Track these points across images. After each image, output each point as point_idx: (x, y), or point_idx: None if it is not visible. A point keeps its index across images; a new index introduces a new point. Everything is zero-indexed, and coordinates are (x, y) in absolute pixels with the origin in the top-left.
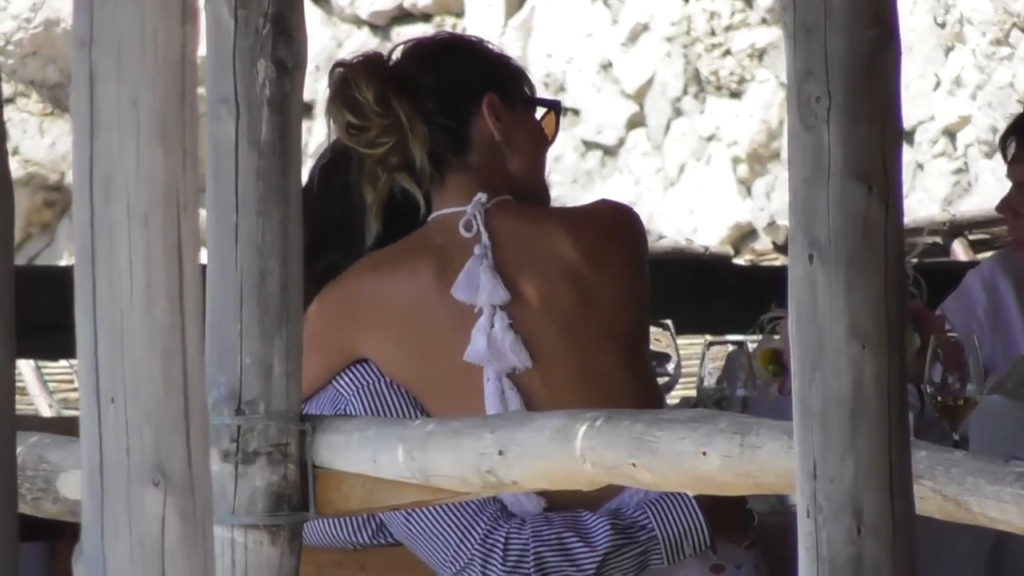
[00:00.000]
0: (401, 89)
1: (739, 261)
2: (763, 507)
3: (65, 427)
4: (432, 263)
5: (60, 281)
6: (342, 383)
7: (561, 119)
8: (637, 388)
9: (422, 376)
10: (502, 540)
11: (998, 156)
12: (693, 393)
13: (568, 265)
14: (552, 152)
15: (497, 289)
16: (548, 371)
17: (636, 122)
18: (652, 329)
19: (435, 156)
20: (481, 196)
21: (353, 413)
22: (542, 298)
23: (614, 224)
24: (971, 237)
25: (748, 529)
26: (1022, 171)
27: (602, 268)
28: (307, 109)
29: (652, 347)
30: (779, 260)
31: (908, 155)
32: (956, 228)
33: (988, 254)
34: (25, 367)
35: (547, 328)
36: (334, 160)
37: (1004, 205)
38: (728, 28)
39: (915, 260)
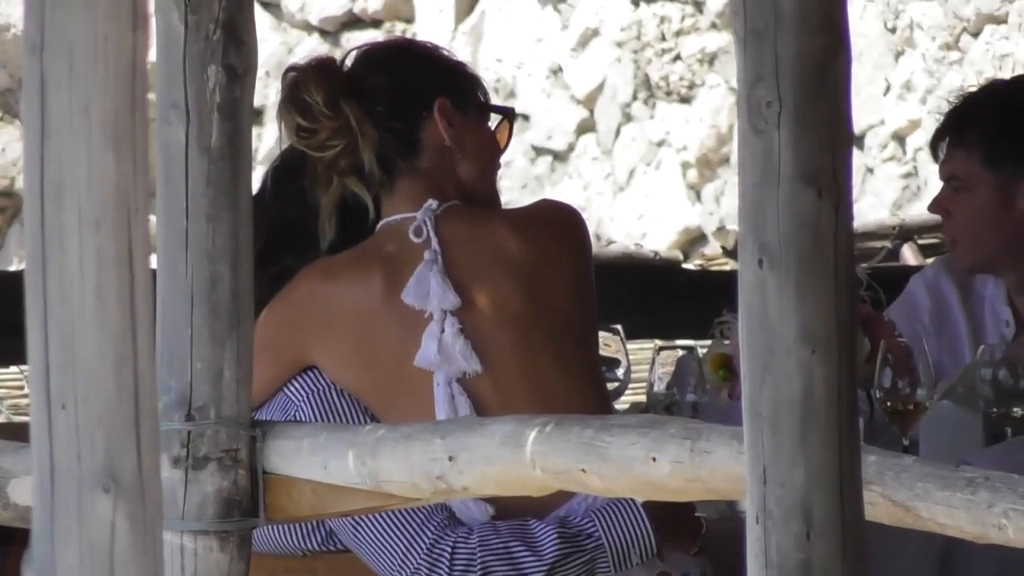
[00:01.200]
0: (351, 92)
1: (689, 266)
2: (713, 513)
3: (15, 433)
4: (381, 269)
5: (10, 287)
6: (292, 389)
7: (513, 127)
8: (587, 393)
9: (372, 383)
10: (449, 549)
11: None
12: (643, 398)
13: (517, 266)
14: (502, 157)
15: (447, 294)
16: (498, 376)
17: (586, 127)
18: (602, 334)
19: (384, 160)
20: (431, 203)
21: (303, 420)
22: (492, 302)
23: (560, 223)
24: (921, 242)
25: (696, 537)
26: (951, 169)
27: (550, 266)
28: (257, 115)
29: (602, 352)
30: (729, 265)
31: (858, 159)
32: (906, 232)
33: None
34: None
35: (497, 333)
36: (288, 164)
37: (936, 205)
38: (678, 33)
39: (864, 265)
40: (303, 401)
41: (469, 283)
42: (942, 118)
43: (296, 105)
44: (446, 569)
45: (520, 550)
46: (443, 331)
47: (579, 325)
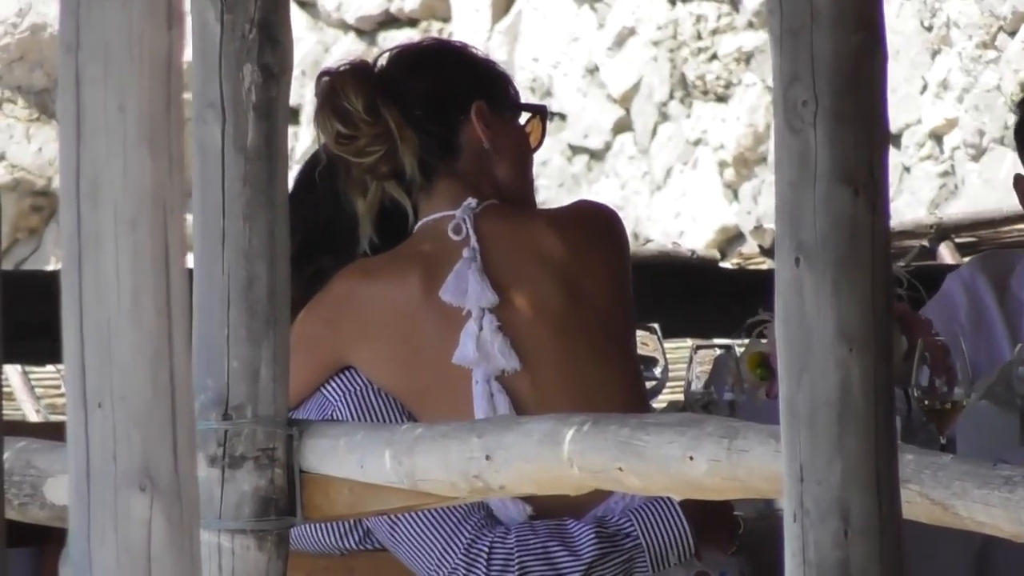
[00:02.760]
0: (389, 97)
1: (726, 265)
2: (750, 512)
3: (52, 432)
4: (420, 268)
5: (47, 286)
6: (329, 389)
7: (548, 124)
8: (625, 391)
9: (410, 382)
10: (486, 548)
11: (985, 159)
12: (680, 397)
13: (556, 264)
14: (539, 156)
15: (485, 292)
16: (537, 373)
17: (623, 126)
18: (639, 333)
19: (424, 163)
20: (471, 201)
21: (340, 419)
22: (531, 300)
23: (597, 222)
24: (958, 240)
25: (734, 536)
26: None
27: (589, 266)
28: (293, 114)
29: (639, 351)
30: (766, 264)
31: (895, 158)
32: (943, 231)
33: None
34: (12, 372)
35: (536, 330)
36: (324, 165)
37: None
38: (714, 32)
39: (902, 264)
40: (340, 401)
41: (507, 281)
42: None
43: (335, 111)
44: (483, 569)
45: (558, 550)
46: (481, 329)
47: (617, 324)
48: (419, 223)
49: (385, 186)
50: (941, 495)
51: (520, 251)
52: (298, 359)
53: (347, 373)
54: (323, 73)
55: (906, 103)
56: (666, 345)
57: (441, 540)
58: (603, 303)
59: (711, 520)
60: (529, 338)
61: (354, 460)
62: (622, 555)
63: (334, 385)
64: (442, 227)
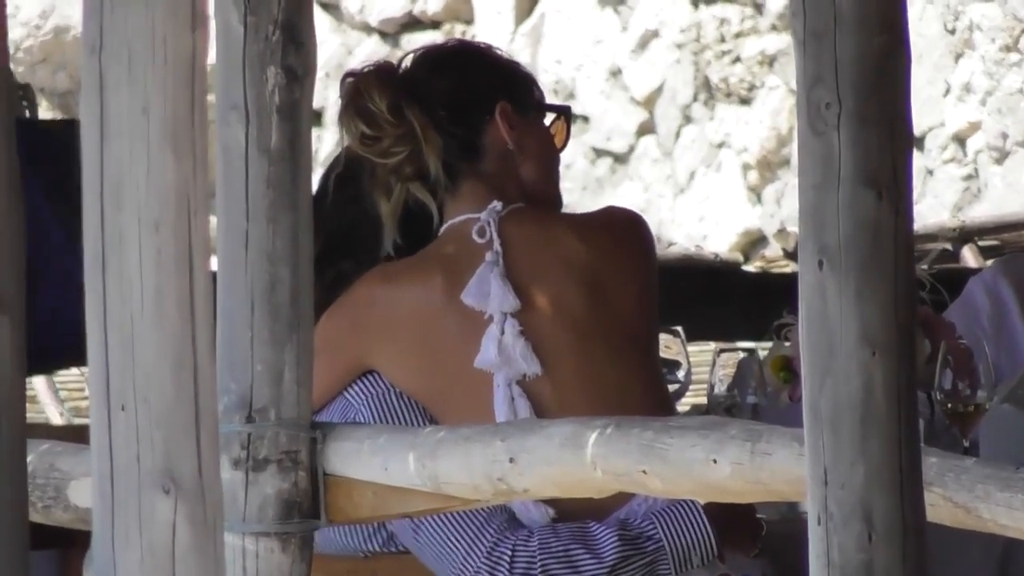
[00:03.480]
0: (414, 98)
1: (749, 268)
2: (774, 515)
3: (76, 435)
4: (442, 271)
5: None
6: (352, 393)
7: (571, 126)
8: (648, 395)
9: (432, 386)
10: (509, 551)
11: (1008, 162)
12: (703, 400)
13: (580, 269)
14: (562, 159)
15: (507, 296)
16: (558, 378)
17: (646, 129)
18: (662, 336)
19: (449, 165)
20: (496, 204)
21: (362, 423)
22: (553, 305)
23: (625, 229)
24: (981, 243)
25: (757, 539)
26: None
27: (614, 272)
28: (317, 116)
29: (662, 354)
30: (789, 267)
31: (918, 161)
32: (966, 234)
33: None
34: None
35: (558, 335)
36: (346, 168)
37: None
38: (738, 35)
39: (924, 267)
40: (362, 404)
41: (530, 285)
42: None
43: (359, 112)
44: (506, 571)
45: (580, 553)
46: (503, 333)
47: (641, 330)
48: (445, 225)
49: (410, 187)
50: (964, 498)
51: (543, 255)
52: (321, 362)
53: (369, 376)
54: (347, 75)
55: (929, 106)
56: (689, 348)
57: (464, 543)
58: (627, 309)
59: (734, 522)
60: (550, 343)
61: (378, 463)
62: (644, 557)
63: (356, 388)
64: (466, 229)
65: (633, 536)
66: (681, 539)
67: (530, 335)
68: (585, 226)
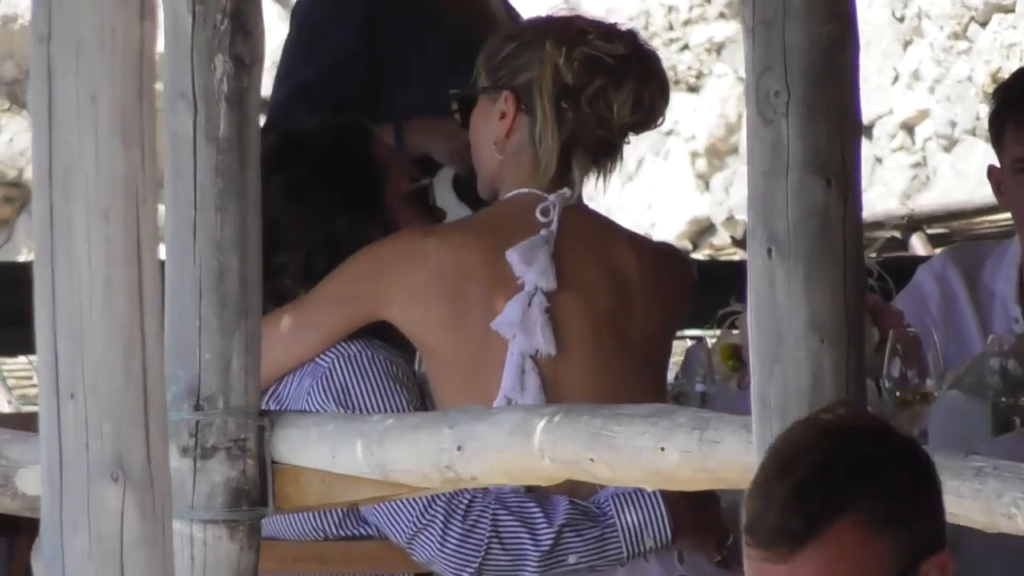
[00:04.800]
0: None
1: (697, 256)
2: (722, 503)
3: (24, 423)
4: (489, 234)
5: (19, 277)
6: (323, 353)
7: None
8: (652, 399)
9: (448, 344)
10: (466, 501)
11: (956, 149)
12: None
13: (621, 280)
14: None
15: (548, 273)
16: (570, 364)
17: None
18: None
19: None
20: (565, 191)
21: (335, 382)
22: (584, 298)
23: (678, 267)
24: (930, 231)
25: (721, 544)
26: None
27: (650, 298)
28: (264, 105)
29: None
30: (738, 255)
31: (867, 149)
32: (915, 222)
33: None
34: None
35: (580, 322)
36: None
37: (1001, 189)
38: (686, 23)
39: (873, 255)
40: (333, 365)
41: (570, 272)
42: (999, 100)
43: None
44: (460, 519)
45: (533, 510)
46: (530, 305)
47: (657, 353)
48: (512, 193)
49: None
50: None
51: (591, 252)
52: (331, 306)
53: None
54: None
55: (878, 94)
56: None
57: (424, 496)
58: (650, 331)
59: (696, 520)
60: (572, 329)
61: (326, 450)
62: (595, 528)
63: (330, 350)
64: (528, 203)
65: (584, 507)
66: (633, 517)
67: (554, 316)
68: (639, 246)
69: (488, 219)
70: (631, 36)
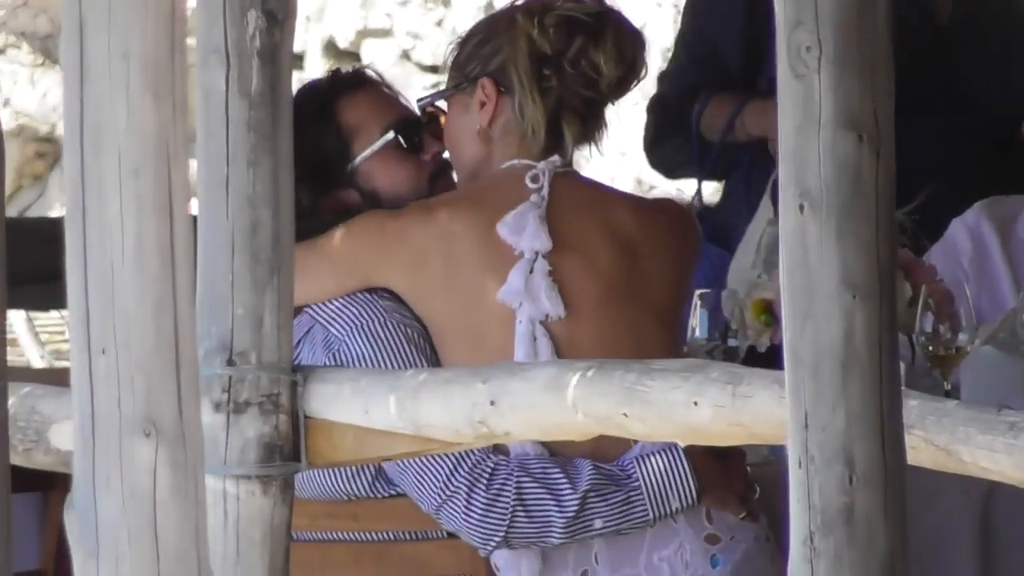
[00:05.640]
0: None
1: None
2: (755, 458)
3: (56, 378)
4: (486, 205)
5: (51, 233)
6: (336, 327)
7: None
8: (669, 355)
9: (453, 313)
10: (490, 469)
11: None
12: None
13: (622, 238)
14: None
15: (541, 235)
16: (580, 324)
17: None
18: None
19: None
20: (556, 158)
21: (350, 354)
22: (586, 256)
23: (675, 219)
24: None
25: (745, 499)
26: None
27: (653, 251)
28: (297, 60)
29: None
30: None
31: None
32: None
33: None
34: (16, 318)
35: (586, 283)
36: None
37: None
38: None
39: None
40: (347, 335)
41: (566, 234)
42: None
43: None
44: (484, 486)
45: (557, 476)
46: (532, 272)
47: (667, 306)
48: (504, 164)
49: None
50: (945, 441)
51: (587, 214)
52: (329, 267)
53: (357, 303)
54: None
55: None
56: None
57: (450, 462)
58: (657, 286)
59: (720, 477)
60: (578, 289)
61: (358, 406)
62: (619, 492)
63: (341, 321)
64: (519, 173)
65: (608, 470)
66: (657, 477)
67: (558, 278)
68: (637, 204)
69: (481, 190)
70: None
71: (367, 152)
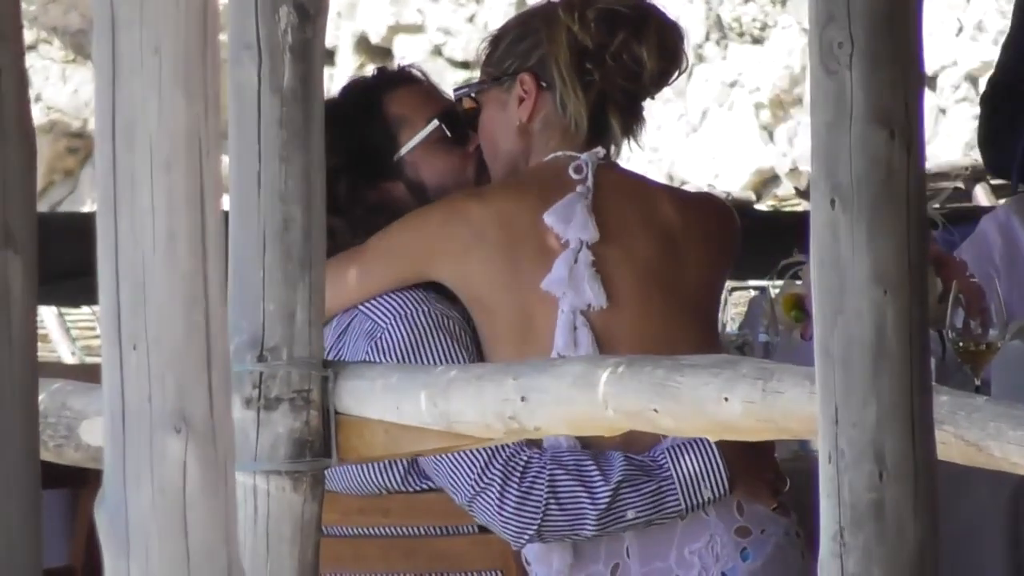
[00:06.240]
0: None
1: (761, 206)
2: (785, 453)
3: (87, 374)
4: (536, 193)
5: (83, 228)
6: (379, 315)
7: None
8: (705, 347)
9: (499, 304)
10: (523, 461)
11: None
12: None
13: (665, 230)
14: None
15: (588, 225)
16: (622, 315)
17: None
18: None
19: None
20: (599, 150)
21: (390, 340)
22: (629, 247)
23: (718, 215)
24: (993, 182)
25: (776, 491)
26: None
27: (694, 246)
28: (328, 56)
29: None
30: (801, 205)
31: (930, 100)
32: (978, 173)
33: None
34: (48, 314)
35: (628, 274)
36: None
37: None
38: None
39: (936, 205)
40: (389, 324)
41: (612, 225)
42: None
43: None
44: (517, 479)
45: (590, 468)
46: (576, 261)
47: (704, 301)
48: (548, 156)
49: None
50: (976, 436)
51: (631, 206)
52: (383, 260)
53: (399, 296)
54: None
55: (942, 45)
56: None
57: (484, 455)
58: (700, 280)
59: (751, 469)
60: (621, 280)
61: (390, 402)
62: (652, 483)
63: (383, 308)
64: (562, 164)
65: (640, 461)
66: (689, 468)
67: (601, 269)
68: (679, 197)
69: (528, 179)
70: None
71: (414, 142)
